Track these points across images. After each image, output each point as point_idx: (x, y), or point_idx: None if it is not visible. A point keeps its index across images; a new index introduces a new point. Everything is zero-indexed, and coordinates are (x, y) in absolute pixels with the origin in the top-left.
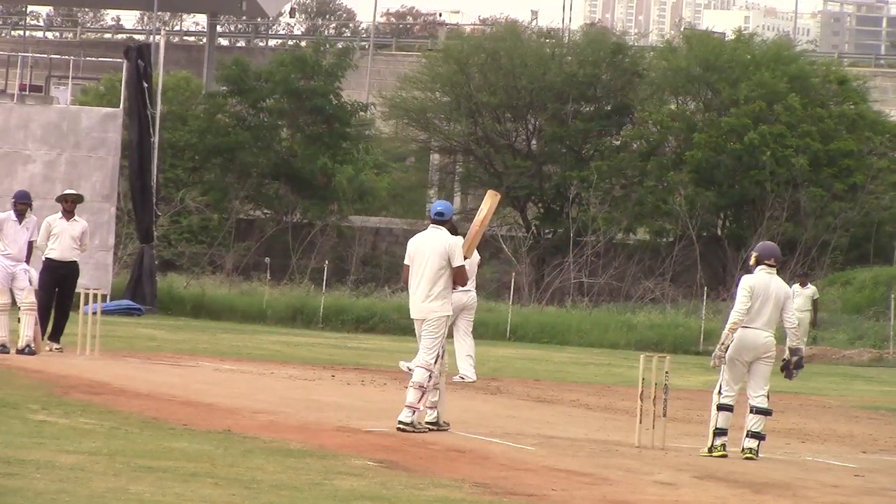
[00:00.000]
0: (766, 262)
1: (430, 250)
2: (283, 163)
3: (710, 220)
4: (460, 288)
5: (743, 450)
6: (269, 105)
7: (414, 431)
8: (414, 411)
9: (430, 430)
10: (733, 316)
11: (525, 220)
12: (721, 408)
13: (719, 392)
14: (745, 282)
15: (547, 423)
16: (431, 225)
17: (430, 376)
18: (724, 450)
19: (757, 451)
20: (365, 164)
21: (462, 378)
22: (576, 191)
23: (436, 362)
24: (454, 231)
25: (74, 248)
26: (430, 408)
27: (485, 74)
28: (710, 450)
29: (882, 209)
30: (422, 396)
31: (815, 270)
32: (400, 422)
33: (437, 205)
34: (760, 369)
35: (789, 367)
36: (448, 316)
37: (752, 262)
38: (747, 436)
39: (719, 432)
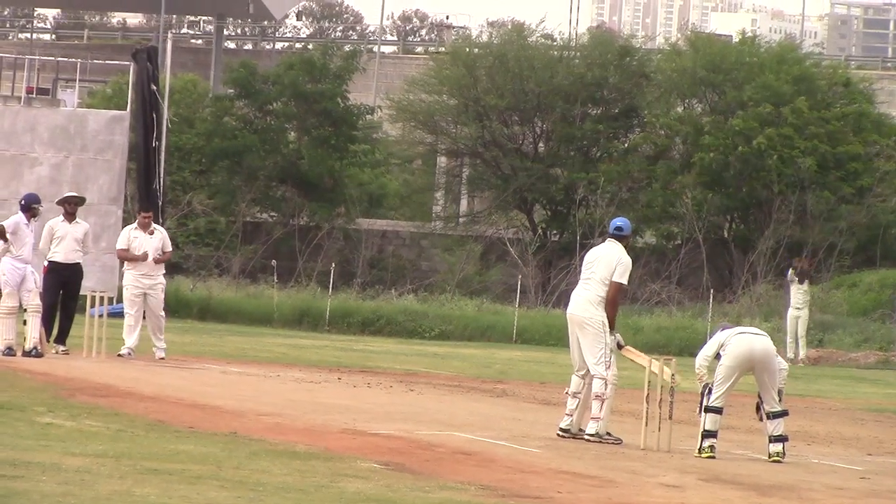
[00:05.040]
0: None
1: (604, 258)
2: (290, 166)
3: (717, 223)
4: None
5: (769, 455)
6: (276, 108)
7: (601, 442)
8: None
9: (590, 439)
10: (697, 360)
11: (532, 222)
12: (709, 410)
13: (708, 393)
14: (718, 336)
15: (553, 425)
16: (609, 239)
17: (605, 384)
18: (713, 451)
19: (783, 454)
20: (373, 164)
21: (161, 356)
22: (583, 193)
23: (607, 369)
24: (628, 248)
25: (77, 250)
26: (568, 414)
27: (492, 77)
28: (699, 451)
29: (889, 212)
30: (601, 406)
31: (821, 273)
32: (588, 434)
33: (617, 220)
34: (763, 379)
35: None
36: (604, 322)
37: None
38: (770, 441)
39: (707, 434)
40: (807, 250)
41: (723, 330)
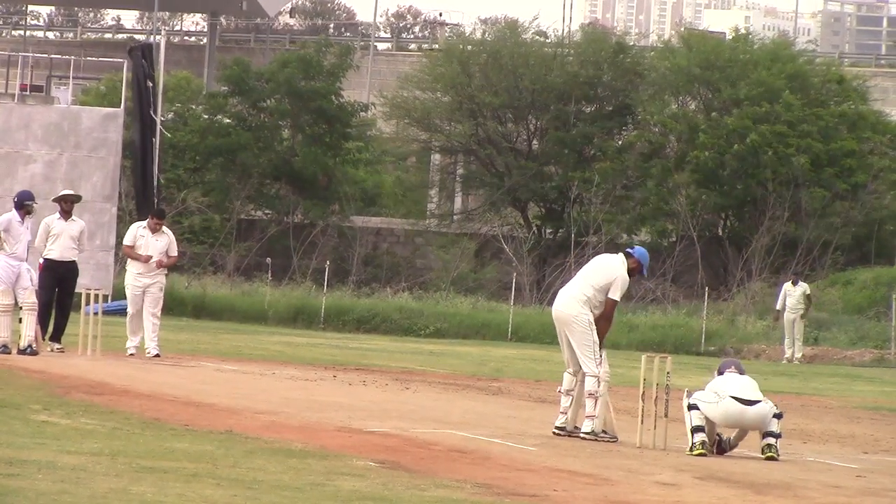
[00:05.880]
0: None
1: (605, 265)
2: (284, 163)
3: (711, 221)
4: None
5: (762, 450)
6: (270, 105)
7: (596, 440)
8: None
9: (585, 437)
10: (692, 409)
11: (526, 220)
12: (691, 407)
13: (688, 395)
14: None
15: (548, 423)
16: (621, 252)
17: (597, 382)
18: (703, 448)
19: (776, 448)
20: (366, 162)
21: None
22: (577, 191)
23: (598, 366)
24: (633, 271)
25: (73, 247)
26: (562, 413)
27: (486, 74)
28: (690, 449)
29: (883, 209)
30: (595, 404)
31: (815, 271)
32: (583, 432)
33: (640, 248)
34: (764, 426)
35: (720, 446)
36: (590, 321)
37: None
38: (763, 436)
39: (696, 429)
40: (801, 248)
41: (719, 374)
